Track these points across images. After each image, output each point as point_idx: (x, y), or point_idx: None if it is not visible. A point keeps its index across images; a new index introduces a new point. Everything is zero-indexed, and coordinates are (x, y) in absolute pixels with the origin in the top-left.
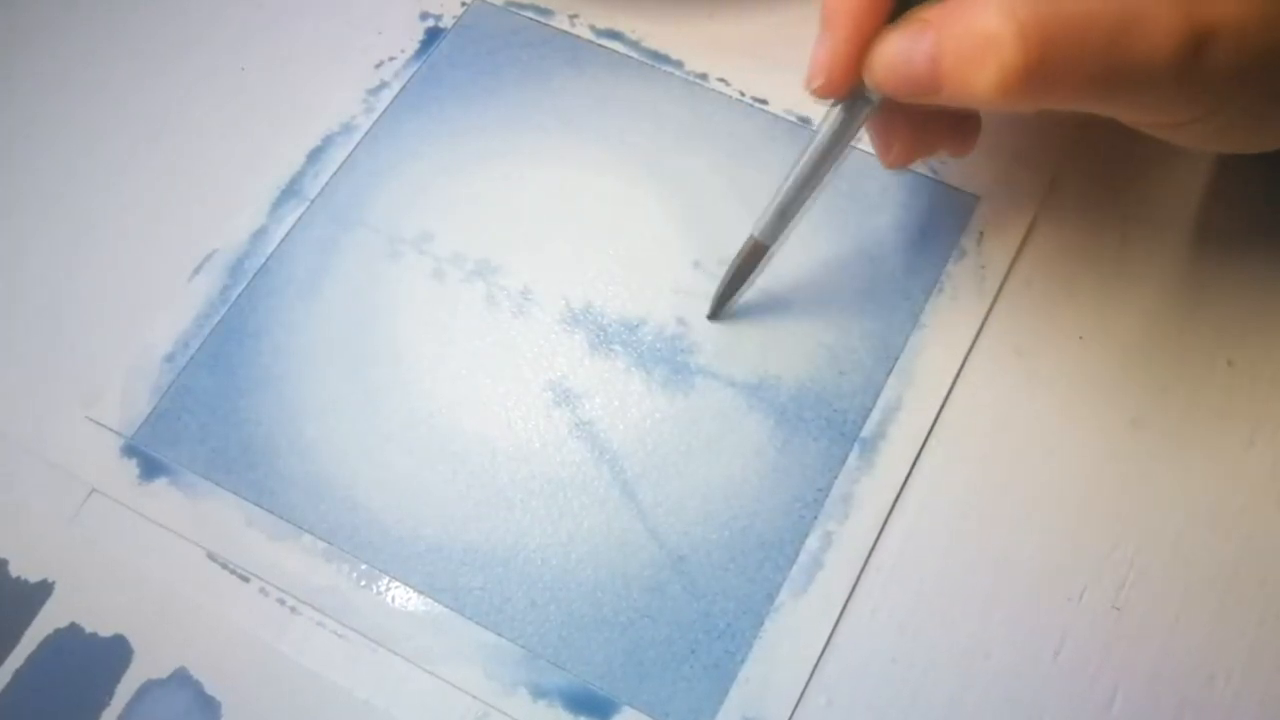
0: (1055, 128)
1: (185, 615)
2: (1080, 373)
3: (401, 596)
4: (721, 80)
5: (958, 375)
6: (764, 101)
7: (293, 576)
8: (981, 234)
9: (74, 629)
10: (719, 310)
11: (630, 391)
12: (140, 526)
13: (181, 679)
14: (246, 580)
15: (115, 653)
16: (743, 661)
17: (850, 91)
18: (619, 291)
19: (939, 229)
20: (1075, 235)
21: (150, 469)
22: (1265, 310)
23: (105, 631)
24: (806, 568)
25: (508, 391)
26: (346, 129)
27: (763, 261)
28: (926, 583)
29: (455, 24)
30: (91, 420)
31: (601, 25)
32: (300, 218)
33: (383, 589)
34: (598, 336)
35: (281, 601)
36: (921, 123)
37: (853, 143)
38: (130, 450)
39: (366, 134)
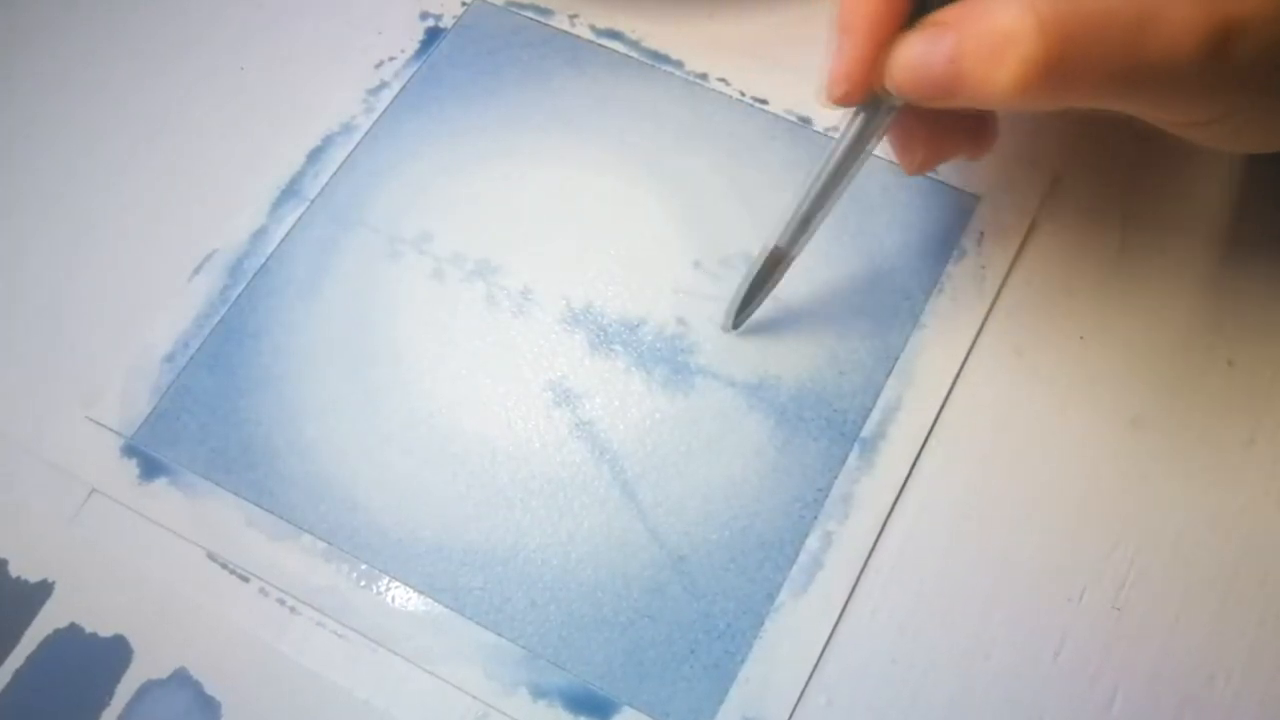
0: (1056, 128)
1: (185, 615)
2: (1080, 373)
3: (401, 596)
4: (722, 80)
5: (958, 375)
6: (764, 101)
7: (293, 576)
8: (982, 234)
9: (74, 629)
10: (740, 320)
11: (630, 391)
12: (140, 526)
13: (181, 679)
14: (246, 580)
15: (115, 653)
16: (743, 661)
17: (870, 98)
18: (619, 291)
19: (939, 229)
20: (1075, 235)
21: (150, 469)
22: (1265, 310)
23: (105, 631)
24: (806, 568)
25: (508, 391)
26: (346, 129)
27: (782, 269)
28: (926, 583)
29: (455, 24)
30: (91, 420)
31: (601, 25)
32: (300, 218)
33: (383, 589)
34: (598, 336)
35: (281, 601)
36: (940, 127)
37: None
38: (130, 450)
39: (366, 134)
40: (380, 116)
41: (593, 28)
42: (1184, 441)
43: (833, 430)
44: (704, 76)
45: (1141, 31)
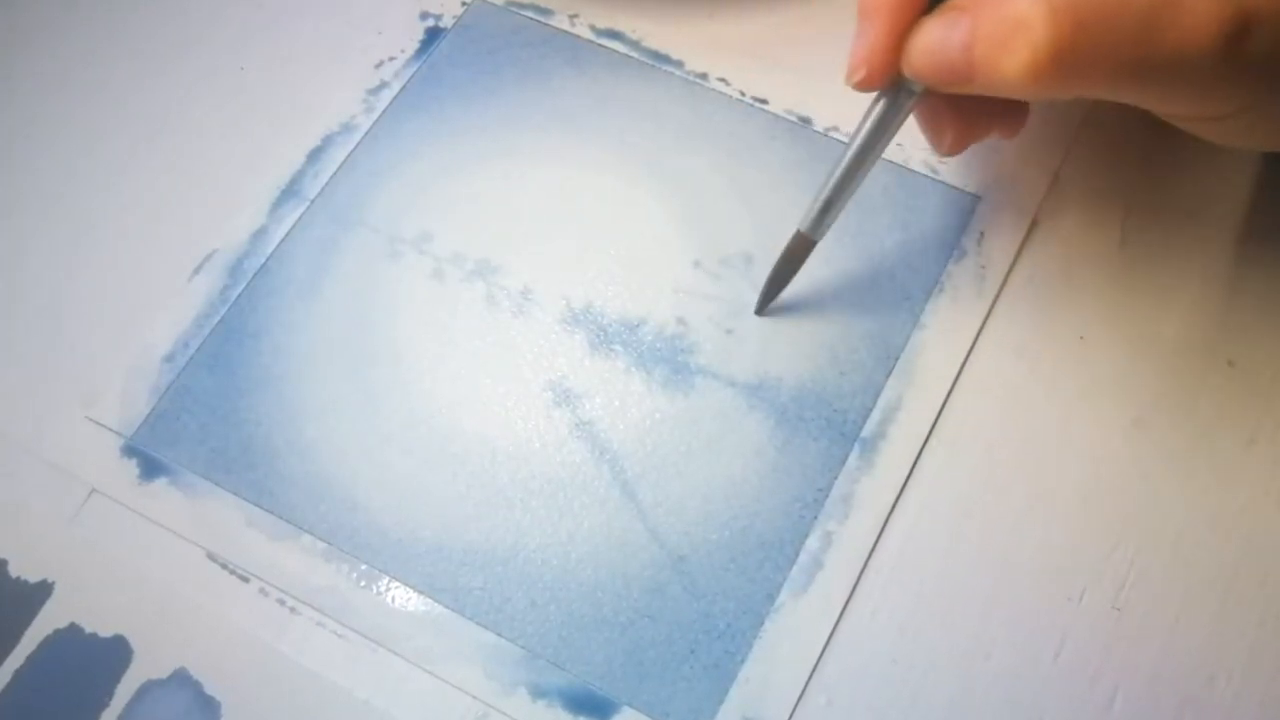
0: (1056, 127)
1: (185, 615)
2: (1081, 373)
3: (401, 597)
4: (722, 80)
5: (958, 375)
6: (764, 101)
7: (292, 576)
8: (982, 234)
9: (74, 629)
10: (765, 305)
11: (630, 391)
12: (140, 526)
13: (181, 679)
14: (246, 580)
15: (115, 653)
16: (743, 661)
17: (891, 83)
18: (619, 291)
19: (939, 229)
20: (1076, 235)
21: (150, 469)
22: (1266, 310)
23: (105, 632)
24: (807, 568)
25: (508, 391)
26: (346, 129)
27: (806, 254)
28: (927, 583)
29: (455, 24)
30: (91, 420)
31: (602, 25)
32: (300, 218)
33: (383, 589)
34: (598, 336)
35: (281, 601)
36: (968, 109)
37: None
38: (130, 450)
39: (366, 134)
40: (380, 116)
41: (593, 27)
42: (1184, 441)
43: (833, 430)
44: (704, 76)
45: (1156, 22)
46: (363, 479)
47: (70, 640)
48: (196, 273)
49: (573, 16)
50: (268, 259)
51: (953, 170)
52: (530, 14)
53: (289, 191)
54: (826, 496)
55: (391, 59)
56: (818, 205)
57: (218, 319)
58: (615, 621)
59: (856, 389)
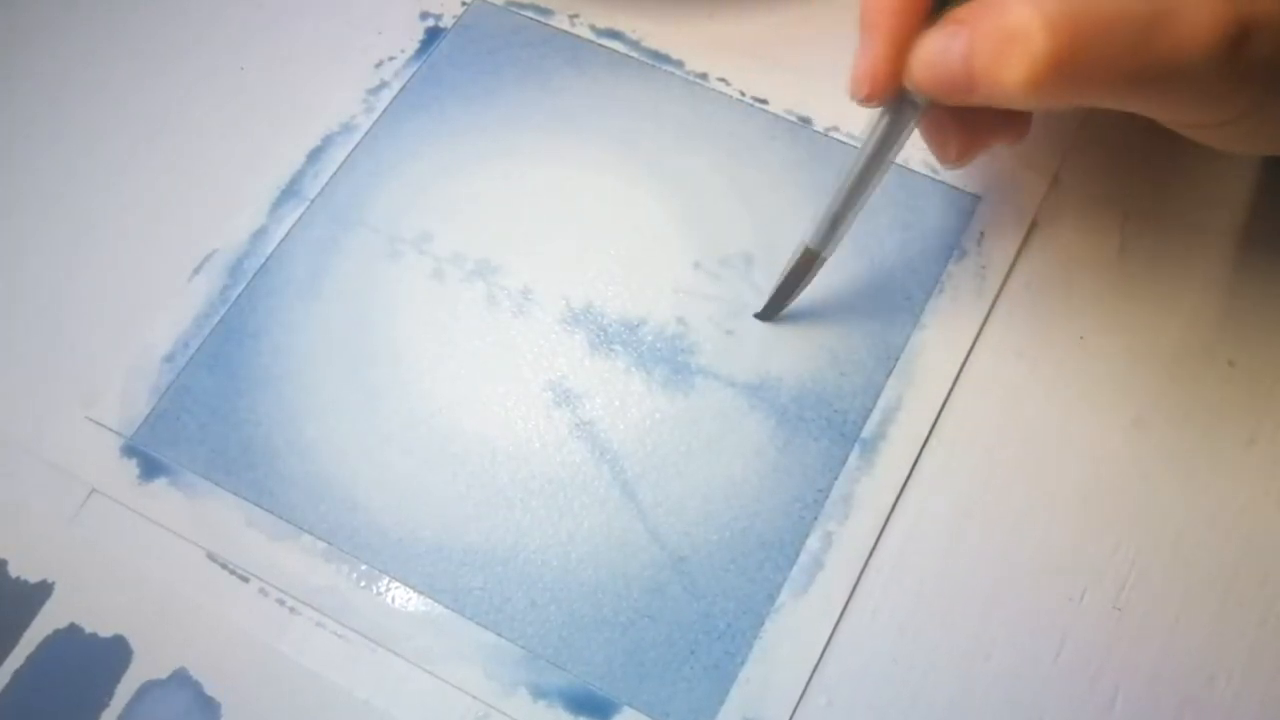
0: (1056, 128)
1: (185, 615)
2: (1081, 373)
3: (401, 597)
4: (722, 80)
5: (958, 376)
6: (764, 101)
7: (292, 576)
8: (982, 234)
9: (74, 629)
10: (771, 317)
11: (630, 391)
12: (140, 526)
13: (181, 679)
14: (246, 580)
15: (115, 653)
16: (743, 662)
17: (895, 97)
18: (619, 291)
19: (939, 229)
20: (1076, 235)
21: (150, 469)
22: (1266, 310)
23: (105, 632)
24: (807, 568)
25: (508, 391)
26: (346, 129)
27: (814, 269)
28: (927, 583)
29: (455, 24)
30: (91, 420)
31: (602, 25)
32: (300, 218)
33: (383, 589)
34: (598, 336)
35: (281, 602)
36: (971, 119)
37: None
38: (130, 450)
39: (366, 134)
40: (380, 116)
41: (593, 27)
42: (1185, 442)
43: (833, 430)
44: (704, 76)
45: (1155, 30)
46: (363, 479)
47: (70, 640)
48: (196, 273)
49: (573, 16)
50: (268, 259)
51: (953, 171)
52: (530, 14)
53: (289, 191)
54: (827, 497)
55: (391, 59)
56: (825, 221)
57: (218, 319)
58: (615, 622)
59: (857, 389)
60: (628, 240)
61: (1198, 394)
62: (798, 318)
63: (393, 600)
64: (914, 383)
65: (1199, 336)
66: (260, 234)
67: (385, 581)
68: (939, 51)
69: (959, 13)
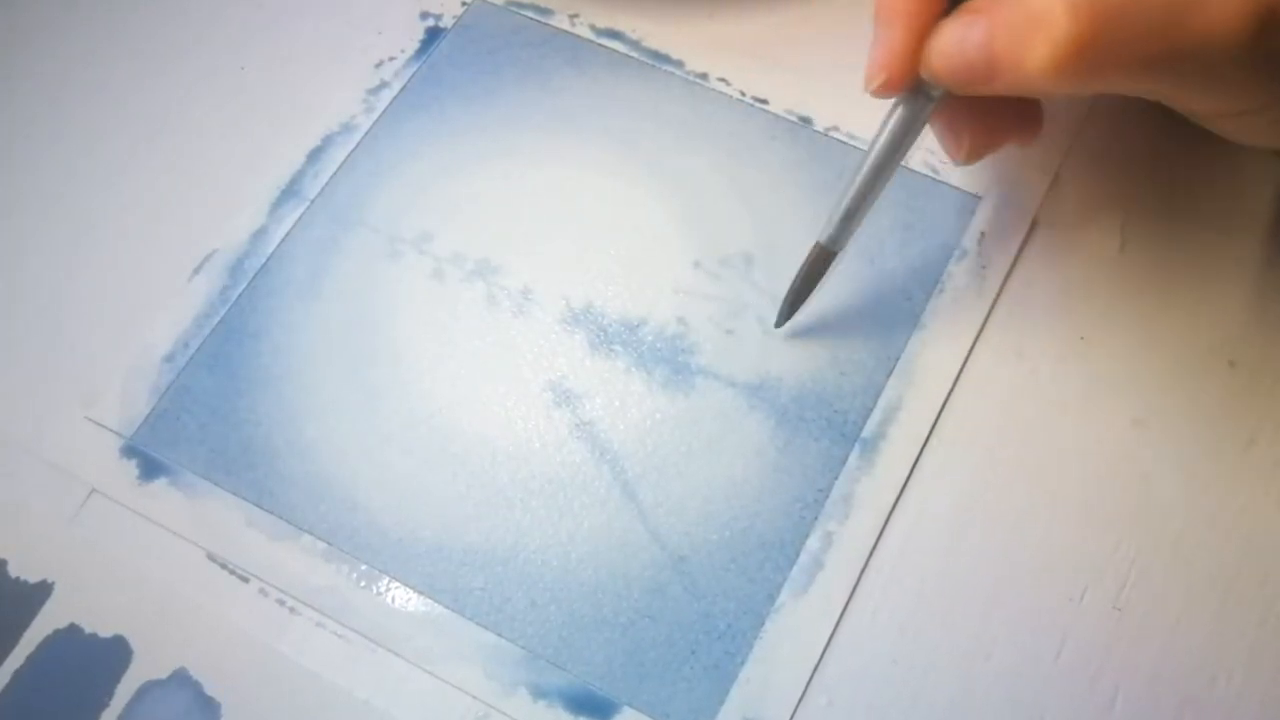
0: (1056, 128)
1: (185, 615)
2: (1081, 373)
3: (401, 597)
4: (722, 80)
5: (959, 376)
6: (764, 101)
7: (292, 577)
8: (982, 234)
9: (74, 629)
10: (786, 320)
11: (631, 392)
12: (140, 527)
13: (181, 679)
14: (246, 580)
15: (115, 653)
16: (743, 662)
17: (910, 88)
18: (619, 291)
19: (940, 229)
20: (1076, 235)
21: (150, 469)
22: (1267, 311)
23: (105, 632)
24: (807, 568)
25: (508, 391)
26: (346, 129)
27: (828, 266)
28: (927, 583)
29: (455, 24)
30: (91, 420)
31: (602, 25)
32: (300, 218)
33: (383, 589)
34: (598, 336)
35: (281, 602)
36: (985, 114)
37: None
38: (130, 450)
39: (366, 134)
40: (380, 116)
41: (593, 27)
42: (1185, 442)
43: (833, 431)
44: (704, 76)
45: (1179, 15)
46: (363, 479)
47: (70, 640)
48: (196, 273)
49: (573, 16)
50: (268, 259)
51: (953, 170)
52: (530, 14)
53: (289, 191)
54: (827, 497)
55: (391, 59)
56: (838, 216)
57: (218, 319)
58: (616, 622)
59: (857, 389)
60: (628, 240)
61: (1198, 394)
62: (798, 318)
63: (393, 600)
64: (914, 383)
65: (1199, 336)
66: (260, 234)
67: (385, 581)
68: (957, 40)
69: (976, 3)
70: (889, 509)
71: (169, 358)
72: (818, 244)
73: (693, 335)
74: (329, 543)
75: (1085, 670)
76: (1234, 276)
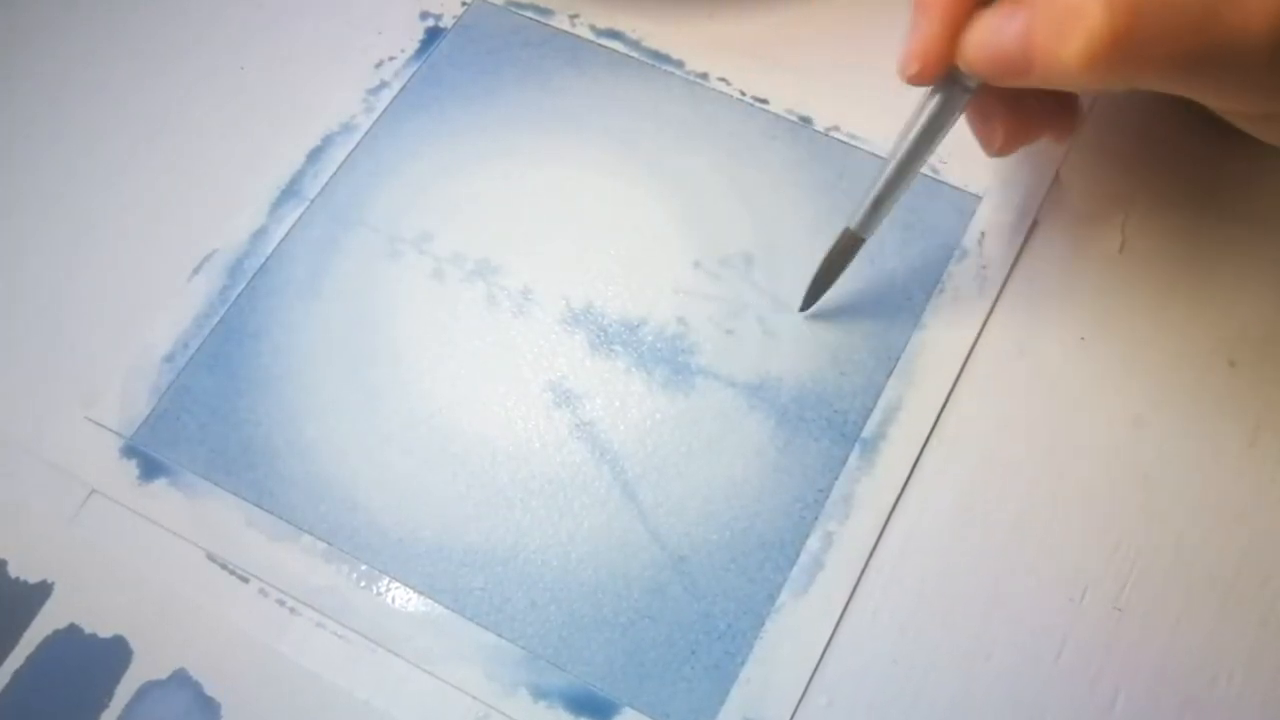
0: None
1: (185, 616)
2: (1082, 373)
3: (401, 597)
4: (722, 80)
5: (959, 375)
6: (765, 101)
7: (292, 577)
8: (983, 234)
9: (73, 630)
10: (811, 304)
11: (631, 392)
12: (140, 527)
13: (181, 680)
14: (246, 581)
15: (115, 653)
16: (743, 662)
17: (945, 79)
18: (619, 291)
19: (940, 229)
20: (1077, 234)
21: (150, 469)
22: (1267, 311)
23: (105, 632)
24: (807, 568)
25: (508, 392)
26: (346, 129)
27: (854, 251)
28: (927, 583)
29: (455, 24)
30: (91, 420)
31: (602, 25)
32: (300, 218)
33: (383, 590)
34: (598, 337)
35: (281, 602)
36: (1020, 109)
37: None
38: (130, 451)
39: (366, 134)
40: (380, 116)
41: (593, 27)
42: (1185, 442)
43: (833, 431)
44: (704, 76)
45: (1215, 10)
46: (363, 479)
47: (70, 641)
48: (196, 273)
49: (573, 16)
50: (268, 259)
51: (954, 170)
52: (530, 14)
53: (289, 191)
54: (827, 497)
55: (391, 59)
56: (868, 203)
57: (218, 319)
58: (616, 622)
59: (857, 389)
60: (628, 240)
61: (1198, 394)
62: (799, 318)
63: (393, 600)
64: (914, 383)
65: (1199, 336)
66: (260, 234)
67: (385, 582)
68: (994, 30)
69: None
70: (889, 509)
71: (169, 358)
72: (847, 229)
73: (693, 335)
74: (329, 543)
75: (1086, 670)
76: (1234, 276)
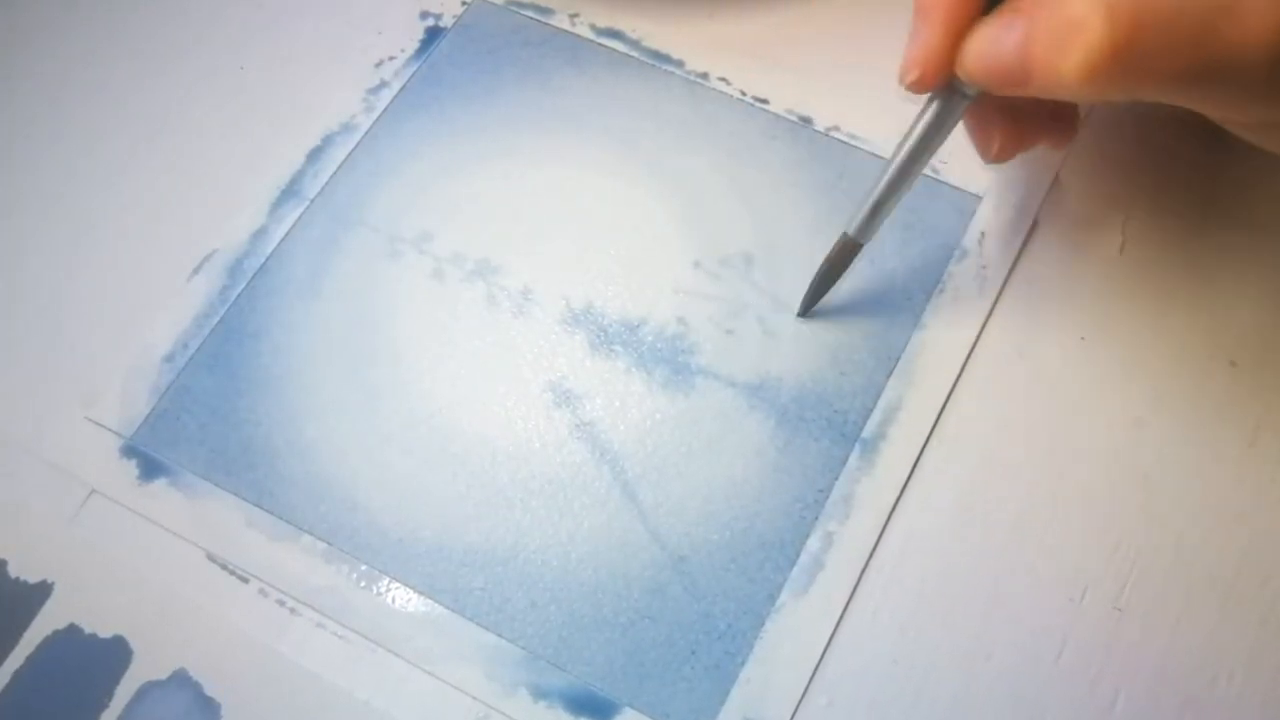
0: None
1: (185, 616)
2: (1082, 373)
3: (401, 597)
4: (722, 80)
5: (959, 376)
6: (765, 101)
7: (292, 577)
8: (983, 234)
9: (73, 630)
10: (809, 309)
11: (631, 392)
12: (140, 527)
13: (181, 680)
14: (246, 581)
15: (115, 654)
16: (744, 662)
17: (945, 86)
18: (619, 291)
19: (940, 229)
20: (1077, 235)
21: (150, 469)
22: (1267, 311)
23: (105, 632)
24: (807, 568)
25: (508, 392)
26: (346, 129)
27: (852, 257)
28: (928, 583)
29: (455, 23)
30: (91, 420)
31: (602, 24)
32: (300, 218)
33: (383, 590)
34: (598, 337)
35: (281, 602)
36: (1018, 116)
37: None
38: (130, 450)
39: (366, 134)
40: (380, 116)
41: (593, 27)
42: (1186, 442)
43: (833, 431)
44: (704, 76)
45: (1215, 25)
46: (363, 479)
47: (70, 641)
48: (196, 273)
49: (573, 16)
50: (268, 259)
51: (954, 170)
52: (530, 14)
53: (289, 191)
54: (827, 497)
55: (391, 59)
56: (866, 208)
57: (218, 319)
58: (616, 622)
59: (857, 389)
60: (628, 240)
61: (1198, 394)
62: (799, 318)
63: (393, 601)
64: (914, 383)
65: (1199, 336)
66: (260, 234)
67: (385, 582)
68: (994, 40)
69: (1016, 3)
70: (889, 509)
71: (169, 358)
72: (845, 234)
73: (693, 335)
74: (329, 543)
75: (1086, 671)
76: (1235, 276)
